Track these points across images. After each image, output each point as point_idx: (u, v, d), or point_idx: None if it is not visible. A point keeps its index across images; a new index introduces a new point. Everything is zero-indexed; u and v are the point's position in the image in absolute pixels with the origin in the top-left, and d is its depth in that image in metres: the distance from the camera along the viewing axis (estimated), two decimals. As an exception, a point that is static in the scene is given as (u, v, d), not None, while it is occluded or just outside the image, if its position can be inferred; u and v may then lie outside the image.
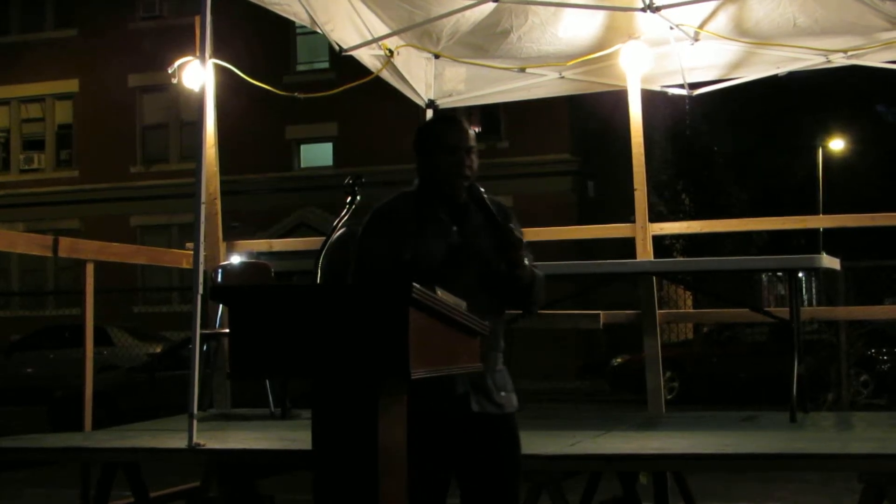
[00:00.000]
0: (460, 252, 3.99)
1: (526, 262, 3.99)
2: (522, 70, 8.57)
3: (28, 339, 23.26)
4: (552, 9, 7.89)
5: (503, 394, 4.07)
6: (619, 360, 20.90)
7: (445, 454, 4.00)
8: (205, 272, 6.22)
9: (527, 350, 8.69)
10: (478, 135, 4.31)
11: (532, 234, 6.79)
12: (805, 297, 21.88)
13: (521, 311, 4.26)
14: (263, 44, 26.88)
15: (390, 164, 26.21)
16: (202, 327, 6.02)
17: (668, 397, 15.46)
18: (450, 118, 4.23)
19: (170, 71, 7.71)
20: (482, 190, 4.04)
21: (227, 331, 3.81)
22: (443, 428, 3.96)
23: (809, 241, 25.13)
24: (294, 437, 5.91)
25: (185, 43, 8.06)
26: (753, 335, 19.97)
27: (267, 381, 7.27)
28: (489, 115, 26.74)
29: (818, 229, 23.40)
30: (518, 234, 3.99)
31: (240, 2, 6.94)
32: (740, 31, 7.86)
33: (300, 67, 30.18)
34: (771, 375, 13.77)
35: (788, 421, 6.39)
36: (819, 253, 6.96)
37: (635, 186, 8.10)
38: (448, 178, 4.05)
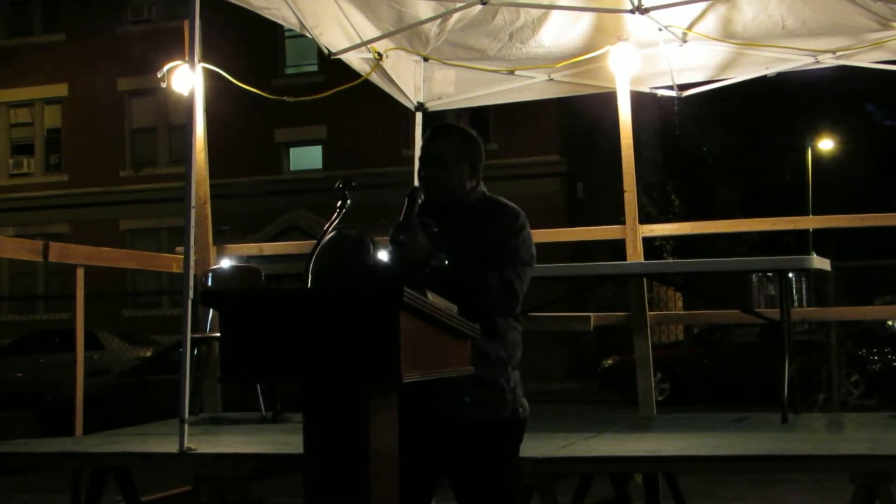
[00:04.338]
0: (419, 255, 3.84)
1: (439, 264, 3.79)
2: (511, 72, 8.57)
3: (18, 343, 23.19)
4: (541, 11, 7.88)
5: (467, 399, 3.87)
6: (609, 361, 20.88)
7: (427, 458, 3.92)
8: (195, 276, 6.21)
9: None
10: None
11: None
12: (795, 297, 21.90)
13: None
14: (252, 47, 26.86)
15: (380, 166, 26.27)
16: (192, 331, 6.01)
17: (659, 398, 15.49)
18: (433, 128, 4.15)
19: (159, 75, 7.70)
20: (414, 195, 3.88)
21: (218, 335, 3.81)
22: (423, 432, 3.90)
23: (799, 241, 25.19)
24: (285, 440, 5.91)
25: (173, 47, 8.05)
26: (744, 336, 19.98)
27: (258, 385, 7.27)
28: (478, 117, 26.70)
29: (808, 229, 23.44)
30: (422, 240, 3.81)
31: (228, 6, 6.93)
32: (729, 32, 7.87)
33: (289, 71, 30.14)
34: (762, 376, 13.82)
35: (779, 422, 6.40)
36: (809, 253, 6.97)
37: (625, 188, 8.10)
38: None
